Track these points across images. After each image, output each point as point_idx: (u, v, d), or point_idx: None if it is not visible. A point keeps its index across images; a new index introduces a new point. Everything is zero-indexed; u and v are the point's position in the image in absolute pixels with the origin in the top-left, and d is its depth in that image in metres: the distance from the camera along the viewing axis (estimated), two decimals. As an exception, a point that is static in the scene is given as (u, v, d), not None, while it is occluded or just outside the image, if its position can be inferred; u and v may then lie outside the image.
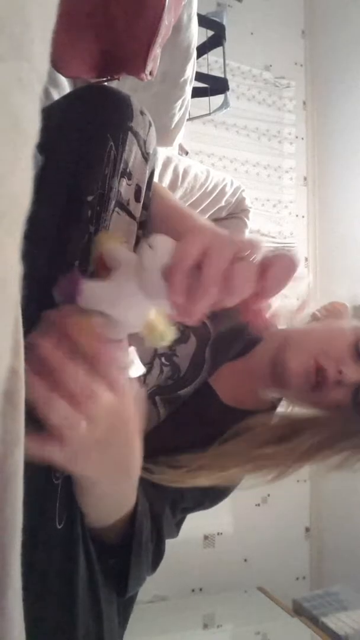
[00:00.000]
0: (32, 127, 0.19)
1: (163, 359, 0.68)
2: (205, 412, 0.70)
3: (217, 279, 0.36)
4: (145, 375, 0.66)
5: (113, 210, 0.55)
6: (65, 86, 0.80)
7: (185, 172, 1.15)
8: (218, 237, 0.37)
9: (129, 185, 0.56)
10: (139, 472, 0.49)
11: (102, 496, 0.48)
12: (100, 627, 0.49)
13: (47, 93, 0.77)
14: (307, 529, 2.51)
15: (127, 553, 0.52)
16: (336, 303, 0.78)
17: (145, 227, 0.60)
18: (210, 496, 0.69)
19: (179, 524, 0.68)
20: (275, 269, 0.36)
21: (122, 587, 0.54)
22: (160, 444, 0.62)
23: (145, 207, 0.60)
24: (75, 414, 0.36)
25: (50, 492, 0.45)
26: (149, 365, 0.66)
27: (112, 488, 0.47)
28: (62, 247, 0.53)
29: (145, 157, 0.58)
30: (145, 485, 0.59)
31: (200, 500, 0.68)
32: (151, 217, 0.62)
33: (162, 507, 0.61)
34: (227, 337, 0.73)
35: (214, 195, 1.24)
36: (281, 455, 0.64)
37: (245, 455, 0.64)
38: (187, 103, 1.06)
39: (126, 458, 0.45)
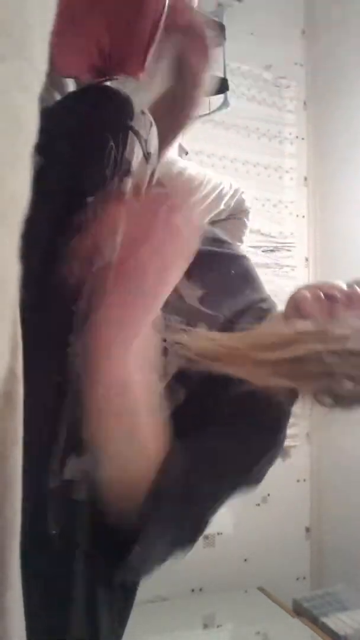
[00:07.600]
0: (31, 127, 0.19)
1: None
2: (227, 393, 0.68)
3: None
4: (165, 362, 0.65)
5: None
6: (66, 86, 0.80)
7: (180, 174, 1.16)
8: None
9: (131, 184, 0.56)
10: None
11: (120, 419, 0.47)
12: (96, 631, 0.49)
13: (47, 93, 0.76)
14: (307, 529, 2.50)
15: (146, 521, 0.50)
16: None
17: None
18: None
19: None
20: None
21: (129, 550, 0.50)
22: (184, 425, 0.61)
23: None
24: None
25: (45, 497, 0.45)
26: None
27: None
28: (61, 248, 0.53)
29: (146, 156, 0.58)
30: None
31: None
32: None
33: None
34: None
35: (210, 198, 1.25)
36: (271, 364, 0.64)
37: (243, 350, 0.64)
38: (187, 103, 1.06)
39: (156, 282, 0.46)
